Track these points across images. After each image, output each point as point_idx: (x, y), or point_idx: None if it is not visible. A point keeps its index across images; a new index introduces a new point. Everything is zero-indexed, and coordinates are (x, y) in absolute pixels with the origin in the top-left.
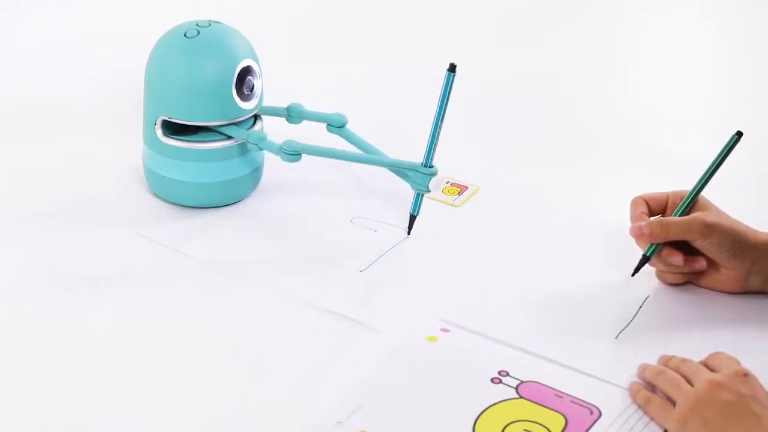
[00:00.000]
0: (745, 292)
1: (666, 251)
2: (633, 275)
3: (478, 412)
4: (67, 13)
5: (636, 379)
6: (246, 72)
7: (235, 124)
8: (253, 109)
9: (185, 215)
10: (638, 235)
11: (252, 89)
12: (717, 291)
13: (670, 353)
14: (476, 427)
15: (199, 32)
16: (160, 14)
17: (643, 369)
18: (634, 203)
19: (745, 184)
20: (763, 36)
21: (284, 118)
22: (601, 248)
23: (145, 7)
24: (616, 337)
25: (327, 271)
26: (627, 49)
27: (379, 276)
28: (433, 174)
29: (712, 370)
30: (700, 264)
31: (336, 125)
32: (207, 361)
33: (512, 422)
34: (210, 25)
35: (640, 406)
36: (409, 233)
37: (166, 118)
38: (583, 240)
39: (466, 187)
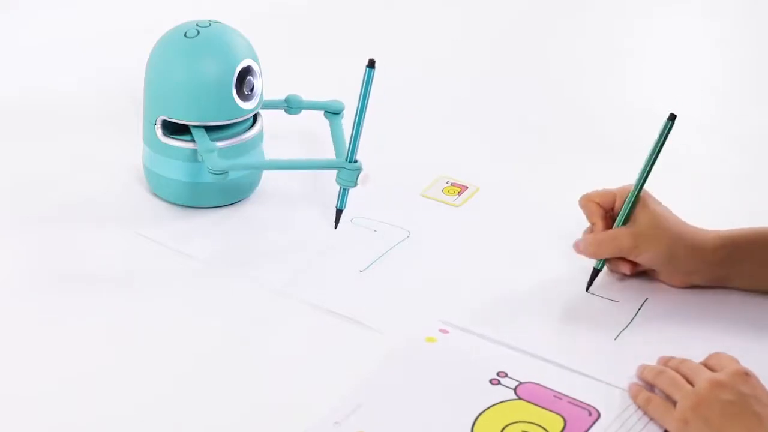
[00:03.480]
0: (690, 287)
1: (614, 262)
2: (587, 290)
3: (477, 414)
4: (67, 13)
5: (635, 380)
6: (246, 72)
7: (215, 127)
8: (253, 109)
9: (185, 215)
10: (578, 253)
11: (252, 89)
12: (665, 284)
13: (669, 353)
14: (474, 428)
15: (199, 32)
16: (160, 14)
17: (642, 369)
18: (585, 206)
19: (745, 184)
20: (763, 36)
21: (283, 110)
22: None
23: (145, 7)
24: (615, 338)
25: (327, 271)
26: (627, 50)
27: (379, 276)
28: (359, 169)
29: (712, 370)
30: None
31: (333, 111)
32: (206, 361)
33: (510, 423)
34: (210, 25)
35: (640, 407)
36: (336, 227)
37: (166, 118)
38: None
39: (466, 187)
